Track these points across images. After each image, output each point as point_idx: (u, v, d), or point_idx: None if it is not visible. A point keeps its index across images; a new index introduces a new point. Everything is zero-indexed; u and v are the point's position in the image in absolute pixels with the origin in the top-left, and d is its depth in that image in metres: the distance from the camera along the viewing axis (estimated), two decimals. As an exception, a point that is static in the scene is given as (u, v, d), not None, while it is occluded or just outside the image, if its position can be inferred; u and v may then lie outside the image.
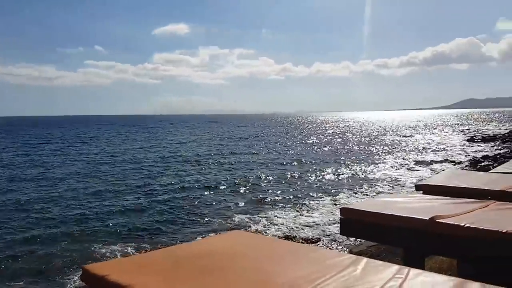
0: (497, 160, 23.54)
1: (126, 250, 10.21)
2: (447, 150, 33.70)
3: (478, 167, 22.12)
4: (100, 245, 10.62)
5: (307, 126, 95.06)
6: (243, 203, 15.21)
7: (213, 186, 18.66)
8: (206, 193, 17.17)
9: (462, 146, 36.75)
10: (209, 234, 10.70)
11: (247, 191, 17.43)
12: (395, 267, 2.06)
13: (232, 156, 31.33)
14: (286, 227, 12.13)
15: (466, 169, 19.33)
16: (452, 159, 26.79)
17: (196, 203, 15.32)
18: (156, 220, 13.02)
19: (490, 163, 22.95)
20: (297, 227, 12.02)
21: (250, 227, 12.11)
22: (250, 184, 19.09)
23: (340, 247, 10.01)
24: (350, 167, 24.46)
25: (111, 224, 12.51)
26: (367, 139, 49.30)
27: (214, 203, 15.24)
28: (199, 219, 13.14)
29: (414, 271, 2.00)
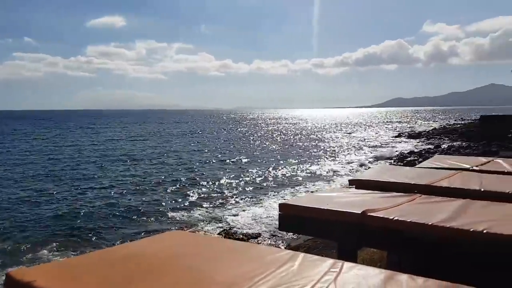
0: (422, 155, 25.18)
1: (57, 254, 9.68)
2: (376, 146, 35.52)
3: (405, 162, 23.54)
4: (30, 250, 9.98)
5: (248, 123, 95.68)
6: (183, 202, 15.00)
7: (150, 185, 18.19)
8: (141, 193, 16.67)
9: (391, 142, 38.91)
10: (147, 235, 10.43)
11: (186, 190, 17.18)
12: (330, 261, 2.13)
13: (171, 154, 30.74)
14: (226, 224, 12.14)
15: (394, 164, 20.47)
16: (381, 155, 28.27)
17: (132, 204, 14.83)
18: (90, 222, 12.45)
19: (415, 158, 24.50)
20: (237, 224, 12.08)
21: (190, 226, 11.98)
22: (189, 182, 18.86)
23: (280, 242, 10.20)
24: (289, 163, 24.99)
25: (42, 227, 11.78)
26: (305, 136, 50.66)
27: (151, 203, 14.87)
28: (135, 220, 12.77)
29: (347, 264, 2.08)
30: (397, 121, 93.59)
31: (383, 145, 35.96)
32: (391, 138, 43.42)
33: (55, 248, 10.14)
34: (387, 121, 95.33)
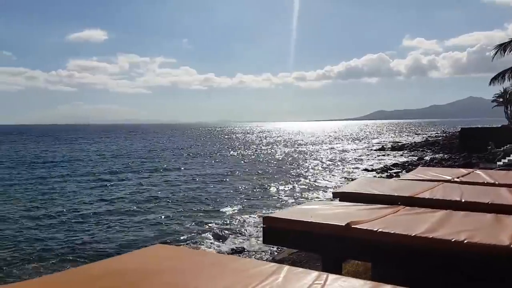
0: (405, 167, 25.50)
1: (37, 271, 9.40)
2: (360, 158, 35.84)
3: (388, 174, 23.79)
4: (7, 266, 9.68)
5: (230, 137, 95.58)
6: (165, 216, 14.81)
7: (129, 201, 17.89)
8: (121, 208, 16.32)
9: (373, 154, 39.32)
10: (129, 250, 10.22)
11: (167, 205, 16.98)
12: (315, 273, 2.11)
13: (151, 169, 30.42)
14: (209, 238, 12.02)
15: (378, 177, 20.65)
16: (365, 167, 28.52)
17: (113, 218, 14.57)
18: (70, 238, 12.16)
19: (399, 170, 24.79)
20: (220, 238, 11.96)
21: (173, 240, 11.81)
22: (170, 197, 18.65)
23: (264, 255, 10.12)
24: (272, 177, 24.99)
25: (20, 245, 11.46)
26: (290, 149, 50.83)
27: (131, 218, 14.62)
28: (117, 235, 12.53)
29: (332, 277, 2.07)
30: (379, 134, 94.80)
31: (366, 158, 36.30)
32: (374, 151, 43.89)
33: (32, 265, 9.86)
34: (369, 134, 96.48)
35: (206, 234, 12.50)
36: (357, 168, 28.76)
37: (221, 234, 12.43)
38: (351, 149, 47.49)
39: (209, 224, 13.63)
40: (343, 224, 3.10)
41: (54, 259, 10.37)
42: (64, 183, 22.97)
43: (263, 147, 54.94)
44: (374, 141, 64.81)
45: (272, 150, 49.03)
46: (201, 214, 15.12)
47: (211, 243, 11.56)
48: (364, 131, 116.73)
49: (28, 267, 9.77)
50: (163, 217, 14.69)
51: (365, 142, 61.77)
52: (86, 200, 17.81)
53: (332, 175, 25.66)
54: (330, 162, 33.08)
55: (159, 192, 19.59)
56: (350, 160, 34.47)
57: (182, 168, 29.89)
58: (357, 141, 65.14)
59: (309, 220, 3.38)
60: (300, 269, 2.23)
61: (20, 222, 13.98)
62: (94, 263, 2.43)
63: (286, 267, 2.22)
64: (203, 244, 11.34)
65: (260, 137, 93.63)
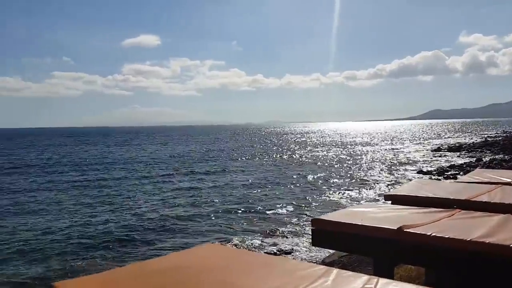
0: (463, 169, 24.36)
1: (97, 267, 9.95)
2: (415, 160, 34.59)
3: (445, 176, 22.83)
4: (71, 262, 10.33)
5: (279, 138, 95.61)
6: (217, 216, 15.12)
7: (184, 200, 18.47)
8: (177, 207, 16.93)
9: (429, 156, 37.81)
10: (182, 248, 10.56)
11: (219, 206, 17.30)
12: (365, 277, 2.10)
13: (203, 171, 31.12)
14: (260, 238, 12.12)
15: (433, 179, 19.87)
16: (419, 169, 27.51)
17: (169, 218, 15.05)
18: (127, 236, 12.73)
19: (456, 172, 23.72)
20: (270, 240, 12.03)
21: (224, 240, 12.03)
22: (223, 199, 18.99)
23: (313, 258, 10.06)
24: (321, 178, 24.73)
25: (83, 241, 12.18)
26: (340, 150, 50.05)
27: (186, 218, 15.05)
28: (172, 234, 12.95)
29: (383, 281, 2.05)
30: (435, 134, 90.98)
31: (420, 159, 35.00)
32: (429, 152, 42.22)
33: (94, 261, 10.44)
34: (424, 134, 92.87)
35: (256, 235, 12.61)
36: (411, 169, 27.80)
37: (270, 235, 12.50)
38: (405, 150, 45.93)
39: (259, 225, 13.74)
40: (395, 228, 3.04)
41: (115, 255, 10.95)
42: (123, 183, 24.12)
43: (312, 148, 54.47)
44: (430, 141, 62.29)
45: (322, 151, 48.50)
46: (251, 215, 15.28)
47: (261, 244, 11.66)
48: (419, 131, 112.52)
49: (93, 262, 10.36)
50: (214, 217, 15.00)
51: (420, 143, 59.51)
52: (142, 200, 18.58)
53: (384, 176, 24.97)
54: (382, 163, 32.20)
55: (211, 194, 20.02)
56: (404, 161, 33.37)
57: (234, 170, 30.33)
58: (411, 142, 62.89)
59: (360, 223, 3.34)
60: (350, 273, 2.22)
61: (82, 220, 14.83)
62: (150, 260, 2.58)
63: (335, 270, 2.22)
64: (253, 245, 11.47)
65: (309, 137, 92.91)
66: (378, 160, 35.19)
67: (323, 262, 8.46)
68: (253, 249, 10.90)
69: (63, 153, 49.53)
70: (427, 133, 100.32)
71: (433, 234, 2.88)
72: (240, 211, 15.85)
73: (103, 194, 20.19)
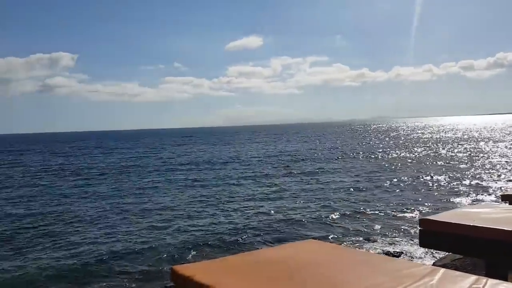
0: None
1: (211, 254, 10.76)
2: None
3: None
4: (189, 249, 11.35)
5: (386, 134, 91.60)
6: (318, 213, 15.15)
7: (288, 196, 18.82)
8: (283, 203, 17.33)
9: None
10: (286, 242, 10.81)
11: (321, 203, 17.26)
12: (473, 277, 2.03)
13: (308, 170, 31.25)
14: (363, 237, 11.88)
15: None
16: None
17: (275, 213, 15.47)
18: (239, 227, 13.44)
19: None
20: (373, 238, 11.73)
21: (327, 237, 12.03)
22: (324, 196, 18.90)
23: (421, 259, 9.59)
24: (431, 176, 23.24)
25: (200, 230, 13.22)
26: (453, 147, 46.35)
27: (290, 213, 15.33)
28: (276, 228, 13.32)
29: (492, 281, 1.96)
30: None
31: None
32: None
33: (209, 249, 11.36)
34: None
35: (358, 232, 12.39)
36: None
37: (373, 233, 12.18)
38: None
39: (361, 223, 13.45)
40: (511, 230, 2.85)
41: (221, 245, 11.70)
42: (231, 180, 25.40)
43: (423, 145, 51.28)
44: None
45: (434, 148, 45.39)
46: (352, 212, 15.00)
47: (363, 241, 11.44)
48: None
49: (205, 250, 11.30)
50: (316, 213, 15.05)
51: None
52: (249, 193, 19.40)
53: (503, 176, 22.56)
54: (501, 162, 29.10)
55: (314, 191, 20.08)
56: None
57: (337, 168, 29.97)
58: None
59: (472, 224, 3.18)
60: (458, 273, 2.16)
61: (191, 214, 16.00)
62: (261, 250, 2.78)
63: (441, 270, 2.18)
64: (354, 242, 11.29)
65: (420, 133, 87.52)
66: (495, 158, 31.81)
67: (434, 265, 8.03)
68: (355, 246, 10.75)
69: (179, 152, 53.48)
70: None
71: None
72: (340, 208, 15.68)
73: (211, 193, 21.00)
